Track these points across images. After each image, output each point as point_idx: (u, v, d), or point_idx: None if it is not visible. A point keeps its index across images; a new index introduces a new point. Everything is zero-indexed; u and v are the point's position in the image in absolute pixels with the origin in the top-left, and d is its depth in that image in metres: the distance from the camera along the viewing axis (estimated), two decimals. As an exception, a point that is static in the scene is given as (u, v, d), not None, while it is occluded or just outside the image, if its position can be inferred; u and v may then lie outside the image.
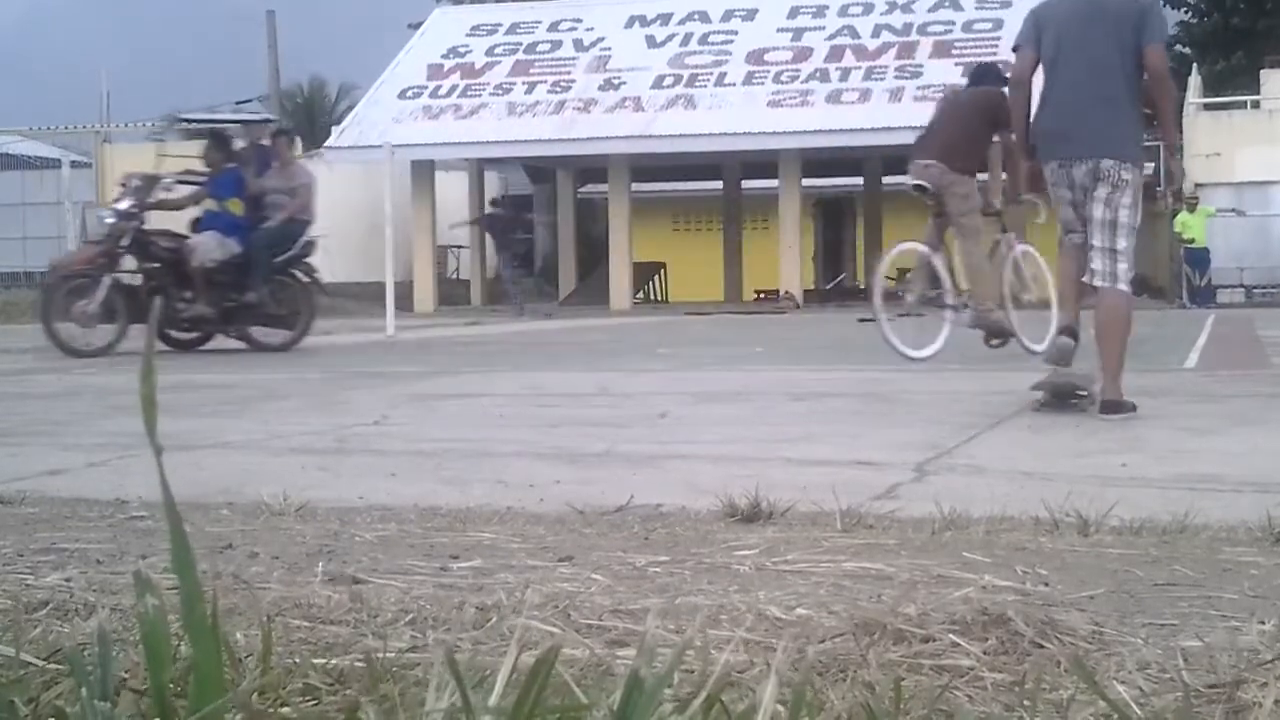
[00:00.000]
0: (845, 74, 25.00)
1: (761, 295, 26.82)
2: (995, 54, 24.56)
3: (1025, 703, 1.69)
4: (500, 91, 26.34)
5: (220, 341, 12.06)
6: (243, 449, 5.04)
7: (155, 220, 12.11)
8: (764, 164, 26.26)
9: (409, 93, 26.66)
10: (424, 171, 26.16)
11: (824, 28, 26.43)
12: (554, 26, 28.04)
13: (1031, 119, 6.12)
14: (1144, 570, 2.60)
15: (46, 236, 30.05)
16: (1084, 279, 6.00)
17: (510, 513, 3.36)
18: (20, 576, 2.57)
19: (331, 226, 26.00)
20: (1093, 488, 3.61)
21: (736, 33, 26.79)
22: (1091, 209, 5.91)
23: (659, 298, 30.23)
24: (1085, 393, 5.91)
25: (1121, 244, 5.86)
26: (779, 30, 26.63)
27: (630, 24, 27.59)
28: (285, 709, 1.60)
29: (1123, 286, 5.84)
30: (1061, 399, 5.93)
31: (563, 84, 26.18)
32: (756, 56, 25.90)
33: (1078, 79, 5.90)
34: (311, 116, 46.48)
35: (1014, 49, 6.25)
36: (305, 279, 12.16)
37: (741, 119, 24.37)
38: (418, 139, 25.02)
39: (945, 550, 2.80)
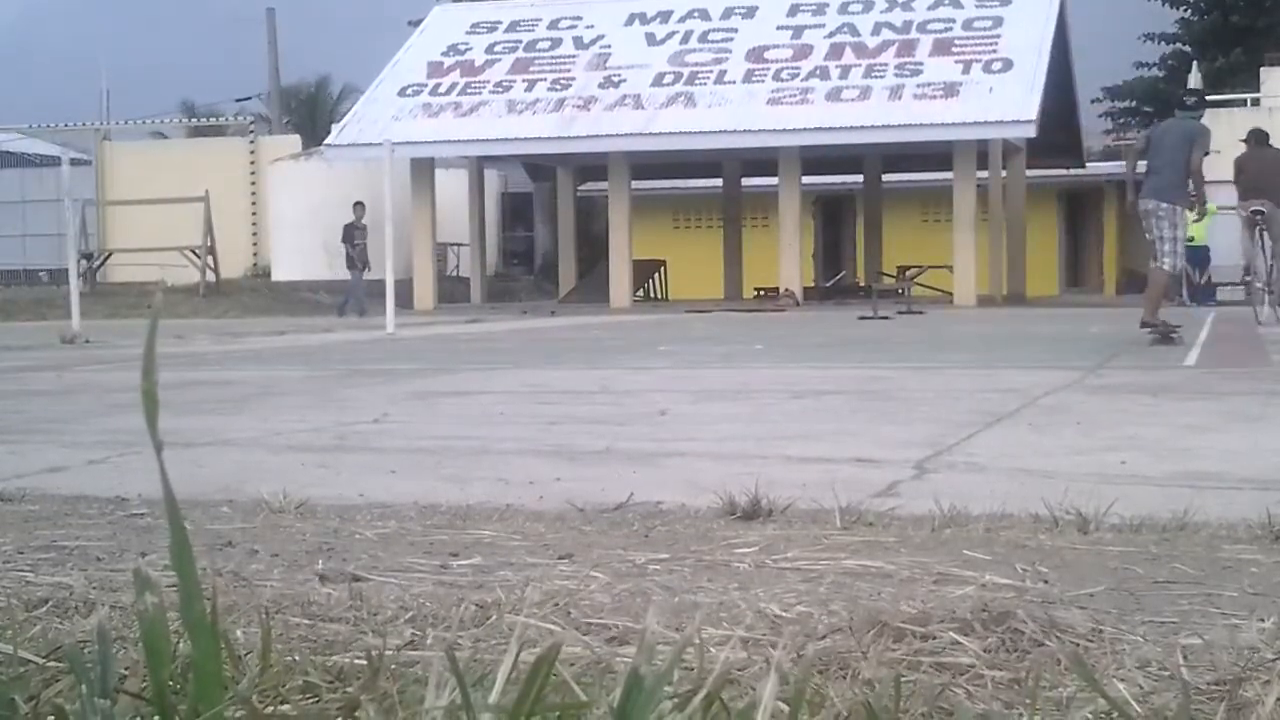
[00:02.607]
0: (845, 72, 24.98)
1: (761, 293, 26.80)
2: (995, 51, 24.62)
3: (1025, 700, 1.69)
4: (500, 89, 26.32)
5: None
6: (242, 446, 5.03)
7: None
8: (764, 161, 26.25)
9: (409, 90, 26.65)
10: (424, 169, 26.15)
11: (824, 25, 26.41)
12: (554, 24, 28.02)
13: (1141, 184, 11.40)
14: (1144, 568, 2.60)
15: (46, 234, 30.09)
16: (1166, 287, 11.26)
17: (510, 510, 3.36)
18: (20, 574, 2.57)
19: (331, 225, 26.18)
20: (1092, 485, 3.61)
21: (736, 30, 26.77)
22: (1161, 231, 10.99)
23: (659, 295, 30.21)
24: (1176, 334, 10.75)
25: (1167, 247, 10.91)
26: (779, 28, 26.61)
27: (630, 22, 27.57)
28: (285, 706, 1.60)
29: (1165, 266, 10.94)
30: (1166, 336, 10.64)
31: (563, 82, 26.17)
32: (756, 54, 25.89)
33: (1160, 162, 11.07)
34: (314, 115, 46.49)
35: (1130, 148, 12.28)
36: None
37: (741, 117, 24.36)
38: (417, 137, 25.01)
39: (945, 548, 2.80)
